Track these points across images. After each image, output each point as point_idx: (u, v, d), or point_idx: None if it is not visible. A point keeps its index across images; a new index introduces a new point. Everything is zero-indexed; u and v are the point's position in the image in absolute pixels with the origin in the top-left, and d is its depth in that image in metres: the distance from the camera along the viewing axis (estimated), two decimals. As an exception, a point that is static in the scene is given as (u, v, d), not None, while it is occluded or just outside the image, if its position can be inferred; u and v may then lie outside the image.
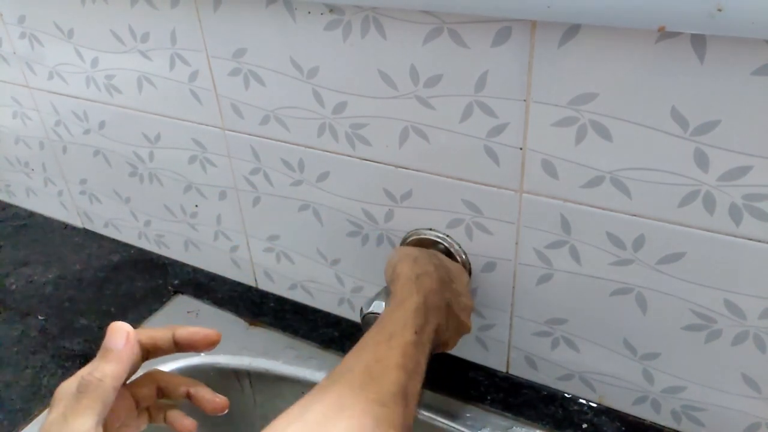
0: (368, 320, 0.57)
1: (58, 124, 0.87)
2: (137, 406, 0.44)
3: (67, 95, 0.82)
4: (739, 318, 0.51)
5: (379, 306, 0.57)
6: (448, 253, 0.62)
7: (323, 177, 0.66)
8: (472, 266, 0.62)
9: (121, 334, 0.41)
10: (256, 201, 0.74)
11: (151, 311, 0.80)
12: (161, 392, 0.46)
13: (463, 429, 0.62)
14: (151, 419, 0.46)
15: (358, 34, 0.55)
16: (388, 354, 0.45)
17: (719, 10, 0.38)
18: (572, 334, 0.60)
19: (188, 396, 0.45)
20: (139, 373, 0.45)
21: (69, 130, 0.86)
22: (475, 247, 0.61)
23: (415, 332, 0.48)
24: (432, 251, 0.60)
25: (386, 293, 0.58)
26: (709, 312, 0.52)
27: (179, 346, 0.44)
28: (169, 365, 0.71)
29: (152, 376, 0.45)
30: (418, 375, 0.46)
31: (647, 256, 0.52)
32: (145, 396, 0.44)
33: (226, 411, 0.45)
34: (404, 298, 0.51)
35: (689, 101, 0.44)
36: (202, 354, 0.73)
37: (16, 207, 1.06)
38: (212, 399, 0.45)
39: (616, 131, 0.48)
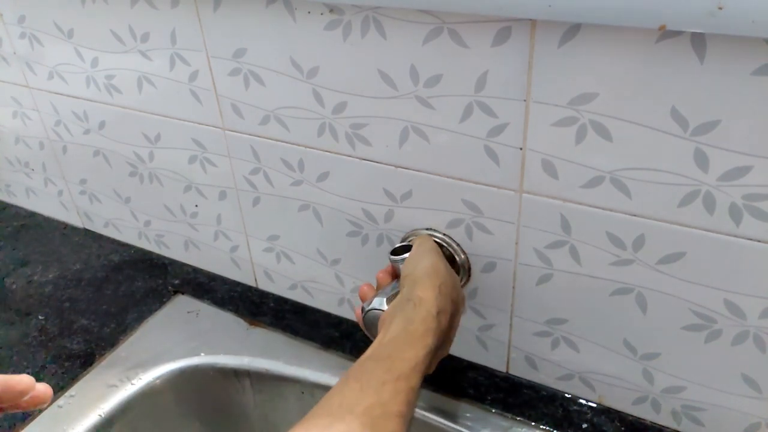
0: (370, 317, 0.56)
1: (58, 124, 0.87)
2: None
3: (67, 95, 0.82)
4: (739, 318, 0.51)
5: (380, 303, 0.55)
6: (449, 256, 0.62)
7: (323, 177, 0.66)
8: (472, 266, 0.62)
9: None
10: (256, 201, 0.74)
11: (151, 311, 0.80)
12: None
13: (463, 429, 0.62)
14: None
15: (358, 34, 0.55)
16: (394, 399, 0.43)
17: (720, 8, 0.38)
18: (572, 334, 0.60)
19: None
20: None
21: (69, 130, 0.86)
22: (475, 247, 0.61)
23: (421, 376, 0.47)
24: (450, 269, 0.58)
25: (392, 290, 0.57)
26: (709, 312, 0.52)
27: None
28: (168, 365, 0.72)
29: None
30: (409, 424, 0.44)
31: (647, 256, 0.52)
32: None
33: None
34: (419, 336, 0.49)
35: (689, 101, 0.44)
36: (202, 354, 0.73)
37: (16, 207, 1.06)
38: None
39: (616, 131, 0.48)
